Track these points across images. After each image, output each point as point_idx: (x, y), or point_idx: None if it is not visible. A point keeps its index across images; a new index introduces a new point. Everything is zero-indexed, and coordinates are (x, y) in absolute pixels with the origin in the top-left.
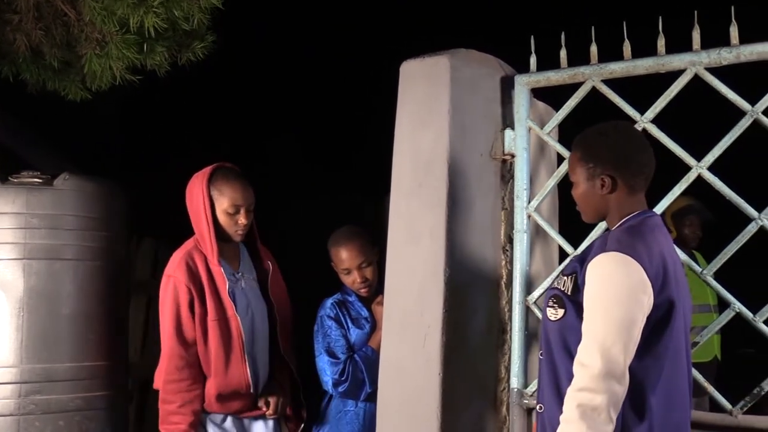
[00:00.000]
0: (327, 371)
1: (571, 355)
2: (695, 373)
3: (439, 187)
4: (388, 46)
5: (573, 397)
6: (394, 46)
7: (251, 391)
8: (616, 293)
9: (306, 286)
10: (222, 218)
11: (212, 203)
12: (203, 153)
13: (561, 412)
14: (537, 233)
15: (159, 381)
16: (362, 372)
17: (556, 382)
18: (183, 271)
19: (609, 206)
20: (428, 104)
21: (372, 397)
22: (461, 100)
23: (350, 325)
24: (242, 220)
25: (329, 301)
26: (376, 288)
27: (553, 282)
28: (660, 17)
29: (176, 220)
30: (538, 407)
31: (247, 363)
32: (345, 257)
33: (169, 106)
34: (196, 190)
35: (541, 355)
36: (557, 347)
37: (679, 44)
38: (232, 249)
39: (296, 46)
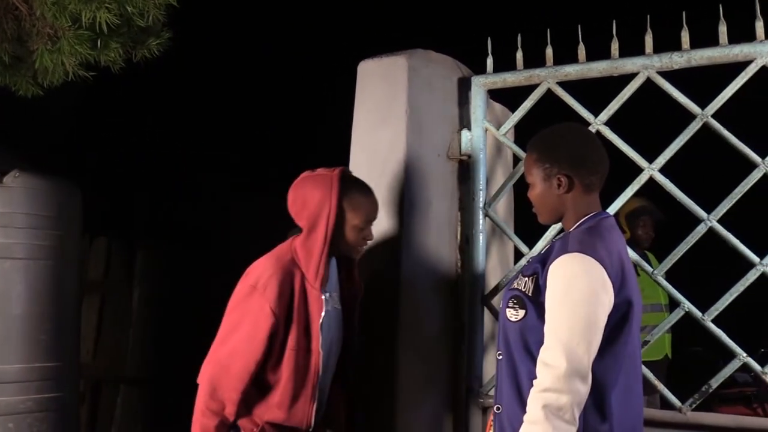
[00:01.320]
0: None
1: (532, 356)
2: (646, 371)
3: (395, 187)
4: (346, 44)
5: (538, 397)
6: (351, 45)
7: (310, 429)
8: (579, 294)
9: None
10: (350, 235)
11: (340, 217)
12: (158, 151)
13: (521, 412)
14: (493, 233)
15: (204, 390)
16: None
17: (516, 383)
18: (274, 290)
19: (565, 206)
20: (385, 104)
21: None
22: (419, 100)
23: None
24: (370, 236)
25: None
26: None
27: (511, 283)
28: (614, 21)
29: (130, 219)
30: (495, 408)
31: (315, 400)
32: None
33: (124, 104)
34: (319, 197)
35: (498, 355)
36: (517, 348)
37: (633, 48)
38: (326, 264)
39: (253, 43)
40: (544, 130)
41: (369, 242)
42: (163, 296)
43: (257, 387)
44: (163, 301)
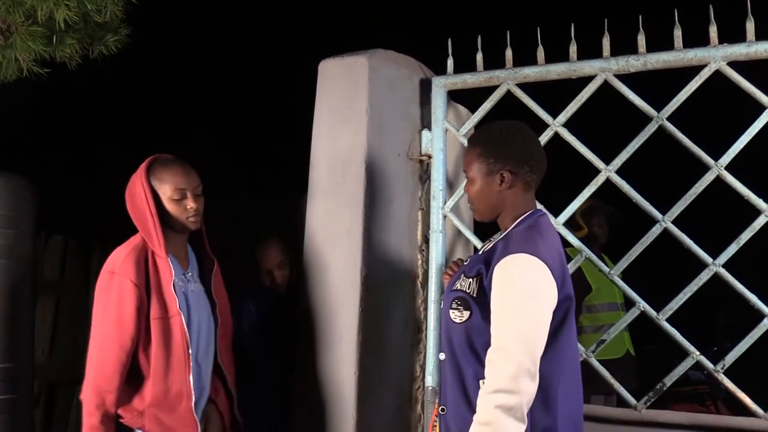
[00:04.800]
0: None
1: (477, 357)
2: (603, 370)
3: (356, 187)
4: (307, 43)
5: (490, 398)
6: (313, 44)
7: (191, 403)
8: (526, 294)
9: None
10: (170, 207)
11: (155, 195)
12: (116, 150)
13: (468, 412)
14: (458, 234)
15: (87, 391)
16: None
17: (462, 384)
18: (130, 266)
19: (505, 203)
20: (346, 104)
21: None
22: (379, 100)
23: None
24: (191, 204)
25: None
26: (293, 286)
27: (453, 284)
28: (572, 24)
29: (86, 218)
30: (440, 409)
31: (190, 369)
32: (271, 254)
33: (80, 101)
34: (135, 187)
35: (441, 356)
36: (462, 349)
37: (593, 51)
38: (181, 247)
39: (214, 42)
40: (487, 125)
41: (195, 211)
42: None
43: (133, 374)
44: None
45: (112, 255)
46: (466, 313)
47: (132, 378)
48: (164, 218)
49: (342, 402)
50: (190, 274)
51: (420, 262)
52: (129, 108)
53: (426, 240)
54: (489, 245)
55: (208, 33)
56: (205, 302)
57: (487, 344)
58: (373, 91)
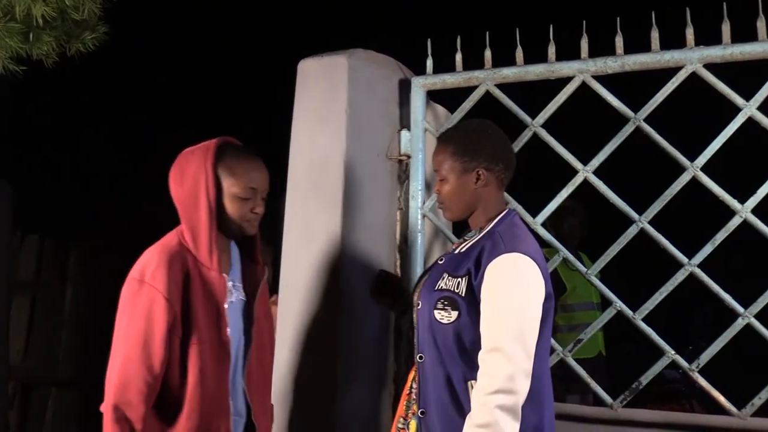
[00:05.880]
0: None
1: (467, 358)
2: (579, 369)
3: (335, 187)
4: (287, 43)
5: (490, 399)
6: (292, 43)
7: None
8: (521, 293)
9: None
10: (231, 206)
11: (218, 187)
12: (92, 149)
13: (457, 414)
14: (436, 234)
15: (108, 418)
16: None
17: (449, 386)
18: (163, 277)
19: (479, 201)
20: (325, 104)
21: None
22: (359, 100)
23: None
24: (259, 208)
25: None
26: (271, 287)
27: (434, 283)
28: (551, 25)
29: (63, 217)
30: (420, 412)
31: (230, 398)
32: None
33: (57, 100)
34: (196, 171)
35: (420, 358)
36: (450, 350)
37: (572, 52)
38: (223, 251)
39: (194, 41)
40: (459, 124)
41: (258, 216)
42: (97, 297)
43: (162, 405)
44: (97, 301)
45: (142, 259)
46: (455, 314)
47: (160, 409)
48: (217, 218)
49: (322, 404)
50: (231, 282)
51: (399, 262)
52: (106, 107)
53: (405, 240)
54: (467, 244)
55: (188, 32)
56: (240, 317)
57: (477, 344)
58: (353, 91)
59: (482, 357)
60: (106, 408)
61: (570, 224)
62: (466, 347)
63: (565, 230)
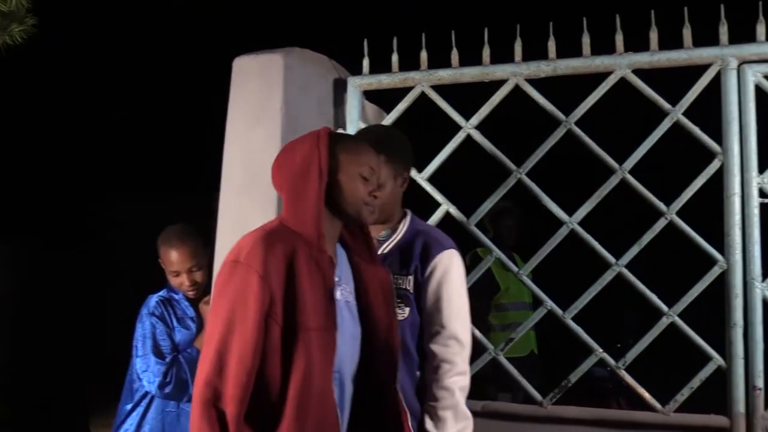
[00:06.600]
0: (153, 372)
1: (416, 350)
2: (510, 367)
3: (270, 186)
4: (220, 39)
5: (453, 383)
6: (226, 40)
7: None
8: (463, 285)
9: (133, 284)
10: (351, 187)
11: (333, 162)
12: (17, 144)
13: (415, 403)
14: None
15: (197, 400)
16: (186, 373)
17: (412, 375)
18: (261, 256)
19: (397, 204)
20: (261, 102)
21: None
22: (294, 98)
23: (176, 324)
24: (379, 192)
25: (154, 299)
26: (204, 287)
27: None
28: (486, 28)
29: (40, 225)
30: None
31: (336, 399)
32: (175, 259)
33: None
34: (305, 149)
35: None
36: (407, 344)
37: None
38: (331, 241)
39: (125, 37)
40: (379, 131)
41: (377, 201)
42: (16, 297)
43: (260, 401)
44: (16, 302)
45: (239, 242)
46: (407, 310)
47: (257, 408)
48: (329, 199)
49: None
50: (338, 278)
51: None
52: (35, 101)
53: None
54: (389, 244)
55: (122, 26)
56: (352, 323)
57: (421, 335)
58: (288, 90)
59: (442, 344)
60: (194, 404)
61: (507, 225)
62: (415, 339)
63: (502, 231)
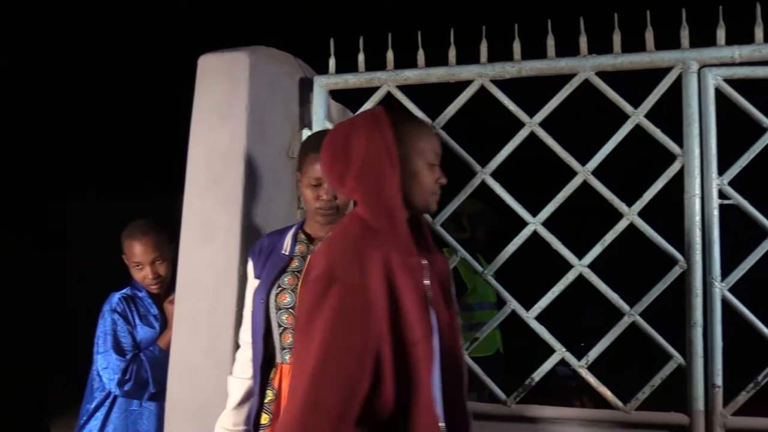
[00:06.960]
0: (113, 369)
1: None
2: (475, 366)
3: (235, 184)
4: (186, 37)
5: None
6: (191, 38)
7: None
8: None
9: (96, 284)
10: (419, 174)
11: (401, 154)
12: None
13: None
14: None
15: None
16: (146, 372)
17: None
18: (358, 268)
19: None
20: (226, 100)
21: (157, 397)
22: (260, 97)
23: (138, 322)
24: (444, 180)
25: (117, 296)
26: (168, 286)
27: None
28: (452, 29)
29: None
30: None
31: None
32: (138, 251)
33: None
34: (363, 138)
35: None
36: None
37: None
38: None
39: (90, 35)
40: (331, 134)
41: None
42: None
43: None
44: None
45: (324, 254)
46: None
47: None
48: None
49: (217, 405)
50: (428, 282)
51: None
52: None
53: None
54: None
55: (87, 21)
56: None
57: None
58: (254, 89)
59: None
60: None
61: (483, 229)
62: None
63: (478, 234)
